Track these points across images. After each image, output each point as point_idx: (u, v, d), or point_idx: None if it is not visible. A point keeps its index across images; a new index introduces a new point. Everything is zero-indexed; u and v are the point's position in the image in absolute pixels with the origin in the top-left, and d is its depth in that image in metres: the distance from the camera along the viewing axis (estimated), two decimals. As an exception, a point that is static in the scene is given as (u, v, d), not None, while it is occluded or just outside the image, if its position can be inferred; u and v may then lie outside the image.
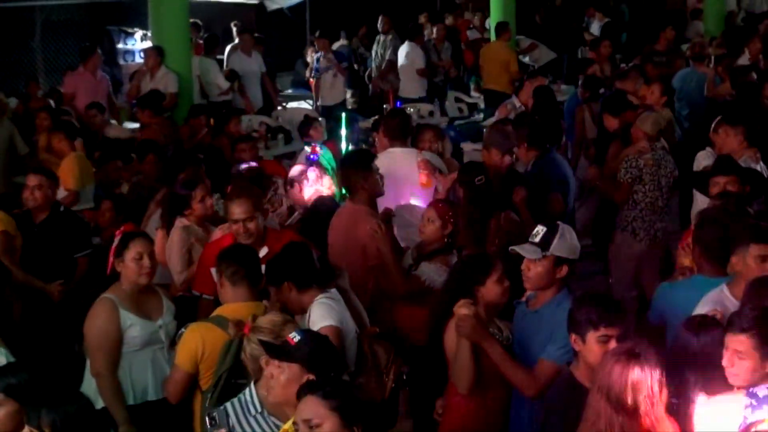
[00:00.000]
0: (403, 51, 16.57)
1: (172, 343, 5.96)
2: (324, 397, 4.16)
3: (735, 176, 7.38)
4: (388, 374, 5.89)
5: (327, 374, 4.63)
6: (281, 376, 4.65)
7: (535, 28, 18.58)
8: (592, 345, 4.82)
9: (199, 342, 5.50)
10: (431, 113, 14.95)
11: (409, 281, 6.78)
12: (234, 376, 5.31)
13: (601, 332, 4.81)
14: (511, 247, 5.71)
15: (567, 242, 5.55)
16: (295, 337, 4.70)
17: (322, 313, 5.69)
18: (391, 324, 6.78)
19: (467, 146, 12.46)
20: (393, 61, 16.68)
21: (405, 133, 8.67)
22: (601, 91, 11.53)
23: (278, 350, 4.72)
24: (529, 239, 5.62)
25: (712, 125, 8.83)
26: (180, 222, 7.42)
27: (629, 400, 4.30)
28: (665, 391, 4.38)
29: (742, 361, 4.62)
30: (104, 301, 5.97)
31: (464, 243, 7.17)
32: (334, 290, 5.88)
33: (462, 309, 5.34)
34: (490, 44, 16.92)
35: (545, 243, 5.54)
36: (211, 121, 11.70)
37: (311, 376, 4.59)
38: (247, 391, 5.04)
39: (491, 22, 17.77)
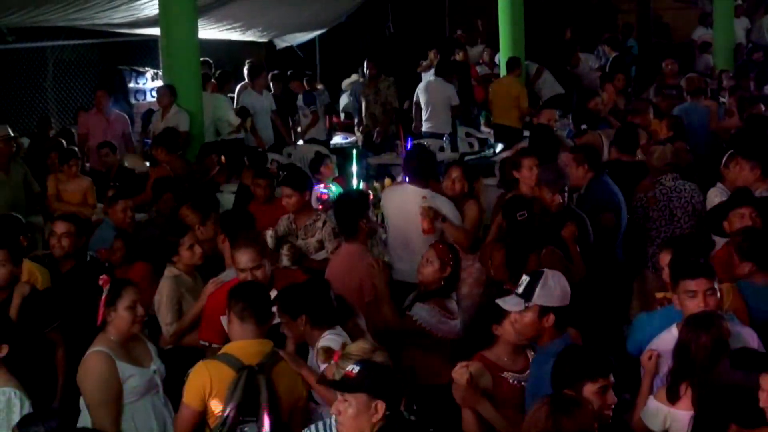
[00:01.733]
0: (433, 87, 16.49)
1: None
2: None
3: (753, 208, 7.40)
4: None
5: (394, 397, 4.71)
6: (349, 409, 4.65)
7: (544, 62, 18.63)
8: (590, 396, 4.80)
9: (206, 379, 5.50)
10: (442, 148, 14.96)
11: (402, 321, 6.78)
12: (242, 414, 5.33)
13: (600, 383, 4.83)
14: (496, 300, 5.69)
15: (550, 290, 5.48)
16: (353, 369, 4.71)
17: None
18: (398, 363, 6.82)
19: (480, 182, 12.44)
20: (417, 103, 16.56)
21: (424, 174, 8.64)
22: (583, 127, 11.62)
23: (342, 384, 4.72)
24: (515, 290, 5.60)
25: (724, 160, 8.82)
26: (169, 271, 7.44)
27: None
28: None
29: None
30: (99, 355, 5.83)
31: (502, 278, 7.27)
32: (339, 327, 5.94)
33: (454, 375, 5.34)
34: (501, 79, 17.00)
35: (528, 293, 5.48)
36: (222, 158, 11.77)
37: (380, 403, 4.63)
38: (321, 424, 5.09)
39: (501, 57, 17.84)
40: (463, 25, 21.73)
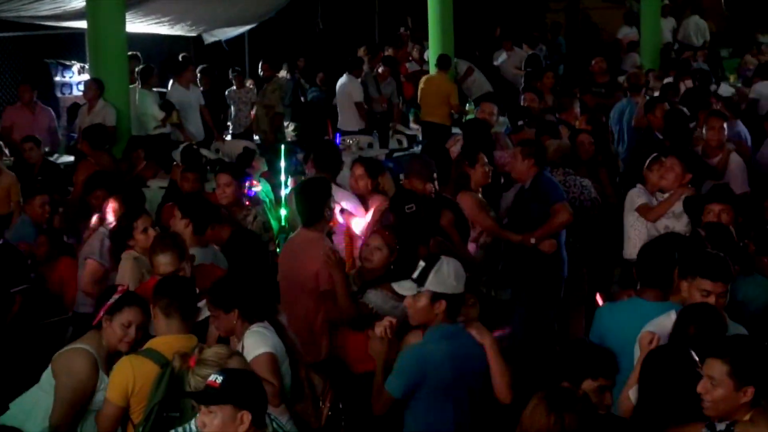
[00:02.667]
0: (341, 84, 16.68)
1: None
2: None
3: (730, 205, 7.47)
4: (325, 402, 5.95)
5: (260, 407, 4.65)
6: (214, 421, 4.56)
7: (474, 60, 18.73)
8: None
9: (129, 375, 5.46)
10: (370, 145, 15.00)
11: (357, 308, 6.82)
12: (166, 409, 5.26)
13: (600, 382, 4.93)
14: (392, 283, 5.82)
15: (443, 277, 5.58)
16: (217, 379, 4.61)
17: (256, 341, 5.76)
18: (332, 350, 6.89)
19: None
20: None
21: (333, 167, 8.87)
22: (520, 123, 11.77)
23: (205, 396, 4.62)
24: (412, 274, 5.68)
25: (647, 163, 8.92)
26: (128, 254, 7.37)
27: None
28: None
29: (715, 388, 4.61)
30: (88, 357, 5.75)
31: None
32: (266, 322, 5.92)
33: (376, 329, 5.46)
34: (431, 76, 17.01)
35: (422, 278, 5.59)
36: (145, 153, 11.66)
37: (246, 414, 4.56)
38: (188, 427, 5.00)
39: (430, 54, 17.89)
40: (394, 22, 21.80)
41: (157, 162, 11.49)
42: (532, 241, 8.49)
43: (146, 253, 7.23)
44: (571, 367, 4.97)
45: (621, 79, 16.07)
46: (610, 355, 5.10)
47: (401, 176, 12.27)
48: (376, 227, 7.80)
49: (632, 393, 5.33)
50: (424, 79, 17.02)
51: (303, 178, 10.75)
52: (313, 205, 7.41)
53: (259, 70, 17.49)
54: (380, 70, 17.17)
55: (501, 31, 21.18)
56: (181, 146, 11.80)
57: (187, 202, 7.86)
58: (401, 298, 6.62)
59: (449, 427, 5.64)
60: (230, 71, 17.62)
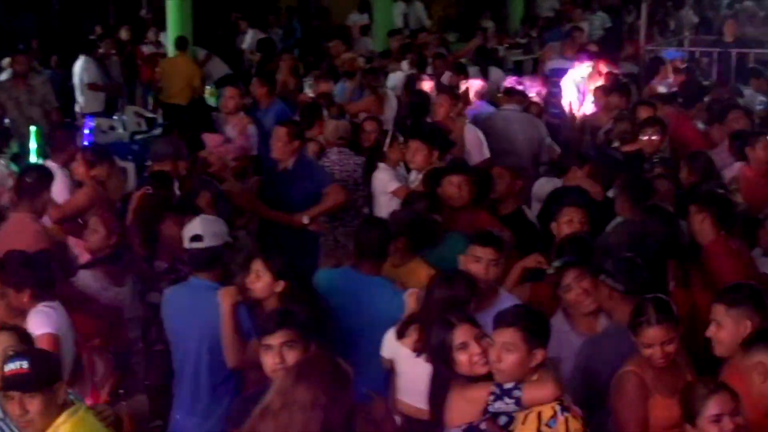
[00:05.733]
0: (77, 66, 16.47)
1: None
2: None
3: (468, 176, 7.81)
4: (103, 386, 6.03)
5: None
6: (34, 401, 4.59)
7: (213, 43, 18.79)
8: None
9: None
10: (112, 128, 14.85)
11: (66, 286, 6.81)
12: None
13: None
14: None
15: None
16: (22, 365, 4.58)
17: (40, 322, 5.82)
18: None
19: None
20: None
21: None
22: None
23: (23, 384, 4.58)
24: None
25: (389, 142, 9.35)
26: None
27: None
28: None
29: (510, 354, 4.93)
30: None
31: (137, 250, 7.58)
32: (57, 302, 5.99)
33: None
34: (172, 58, 16.92)
35: None
36: None
37: (61, 385, 4.68)
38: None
39: (169, 37, 17.82)
40: (130, 4, 21.54)
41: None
42: (305, 220, 8.57)
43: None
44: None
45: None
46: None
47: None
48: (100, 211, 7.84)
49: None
50: (164, 61, 16.96)
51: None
52: (32, 187, 7.62)
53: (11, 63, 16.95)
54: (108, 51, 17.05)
55: (236, 15, 21.29)
56: None
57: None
58: (114, 280, 6.85)
59: None
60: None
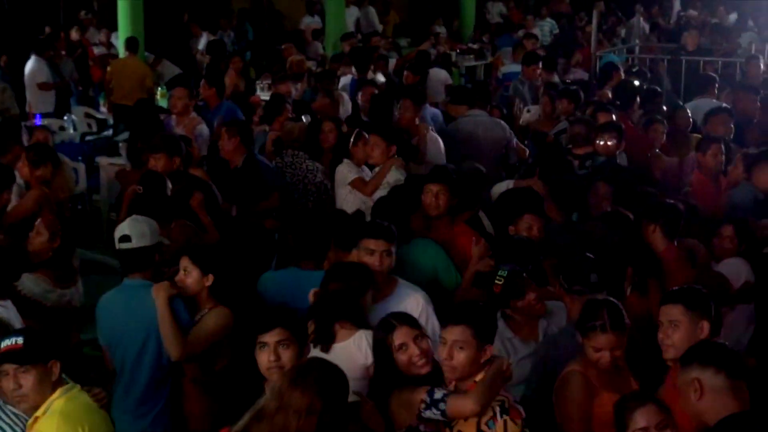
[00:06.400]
0: (28, 65, 16.36)
1: None
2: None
3: (446, 185, 7.71)
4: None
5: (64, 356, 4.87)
6: (29, 377, 4.71)
7: (165, 44, 18.73)
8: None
9: None
10: (62, 128, 14.80)
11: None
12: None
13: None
14: None
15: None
16: (16, 340, 4.74)
17: None
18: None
19: (103, 160, 12.50)
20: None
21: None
22: None
23: (16, 357, 4.71)
24: None
25: (353, 139, 9.34)
26: None
27: None
28: None
29: (461, 351, 4.96)
30: None
31: None
32: (9, 301, 6.06)
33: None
34: (122, 59, 16.84)
35: None
36: None
37: (56, 363, 4.79)
38: None
39: (120, 38, 17.75)
40: (81, 4, 21.40)
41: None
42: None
43: None
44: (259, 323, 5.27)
45: (311, 63, 16.52)
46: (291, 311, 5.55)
47: (97, 158, 12.44)
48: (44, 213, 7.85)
49: None
50: (114, 62, 16.87)
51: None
52: None
53: None
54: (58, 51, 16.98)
55: (189, 17, 21.23)
56: None
57: None
58: (58, 284, 6.87)
59: None
60: None
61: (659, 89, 13.06)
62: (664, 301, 5.41)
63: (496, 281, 6.23)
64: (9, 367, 4.72)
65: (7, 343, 4.75)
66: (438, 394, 4.97)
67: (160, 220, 6.80)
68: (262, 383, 4.95)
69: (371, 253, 6.28)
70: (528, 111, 12.72)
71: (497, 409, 4.89)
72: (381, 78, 14.66)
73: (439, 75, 15.66)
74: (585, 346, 5.39)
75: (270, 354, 4.97)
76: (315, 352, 5.46)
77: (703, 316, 5.31)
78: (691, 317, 5.28)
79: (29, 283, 6.78)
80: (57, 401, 4.75)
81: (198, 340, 5.99)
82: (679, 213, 7.39)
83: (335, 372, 4.41)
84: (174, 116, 11.11)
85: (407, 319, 5.31)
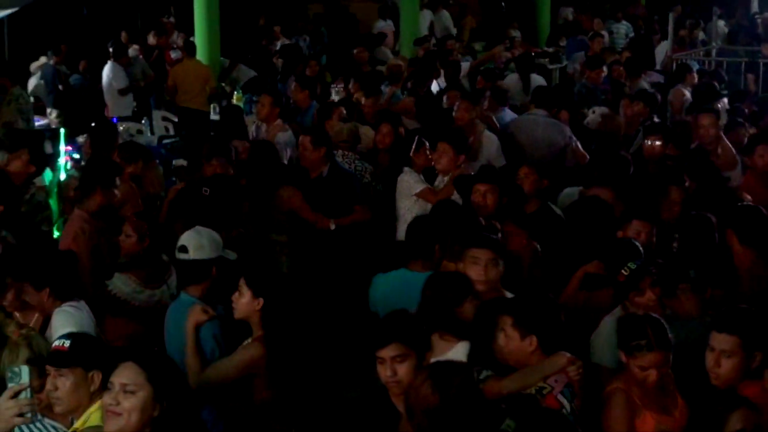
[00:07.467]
0: (106, 71, 16.62)
1: None
2: (144, 367, 4.22)
3: (495, 185, 7.83)
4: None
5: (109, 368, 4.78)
6: (66, 383, 4.72)
7: (238, 48, 18.88)
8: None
9: None
10: (140, 131, 14.98)
11: (97, 291, 6.92)
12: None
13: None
14: None
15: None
16: (64, 342, 4.77)
17: (63, 321, 5.87)
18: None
19: (180, 163, 12.62)
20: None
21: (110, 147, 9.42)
22: None
23: (56, 359, 4.75)
24: None
25: (414, 146, 9.35)
26: None
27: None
28: None
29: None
30: None
31: None
32: (82, 302, 6.06)
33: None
34: (183, 63, 17.01)
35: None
36: None
37: (97, 374, 4.73)
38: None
39: (197, 41, 17.93)
40: (159, 9, 21.67)
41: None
42: (332, 226, 8.80)
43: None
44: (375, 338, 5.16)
45: (384, 68, 16.53)
46: (407, 319, 5.31)
47: (174, 161, 12.58)
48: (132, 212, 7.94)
49: None
50: (176, 66, 17.06)
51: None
52: (91, 182, 7.60)
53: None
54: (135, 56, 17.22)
55: (266, 21, 21.38)
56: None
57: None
58: (147, 284, 6.87)
59: None
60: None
61: (741, 91, 12.92)
62: (720, 328, 5.22)
63: (623, 271, 6.20)
64: (50, 368, 4.75)
65: (56, 343, 4.82)
66: (483, 374, 5.07)
67: (223, 223, 6.83)
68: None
69: (475, 262, 6.20)
70: (593, 112, 12.60)
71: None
72: (435, 86, 14.61)
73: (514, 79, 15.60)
74: (629, 365, 5.26)
75: (386, 370, 4.96)
76: None
77: (758, 347, 5.16)
78: (745, 350, 5.15)
79: (119, 282, 6.93)
80: (95, 414, 4.68)
81: (216, 373, 5.79)
82: (760, 217, 7.25)
83: None
84: (262, 123, 11.22)
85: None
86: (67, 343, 4.75)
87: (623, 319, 5.52)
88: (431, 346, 5.53)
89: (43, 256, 6.32)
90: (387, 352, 4.97)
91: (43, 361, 4.84)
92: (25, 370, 4.29)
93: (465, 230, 6.93)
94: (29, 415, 4.21)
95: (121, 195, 8.52)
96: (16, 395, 4.19)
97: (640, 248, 6.68)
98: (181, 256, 6.23)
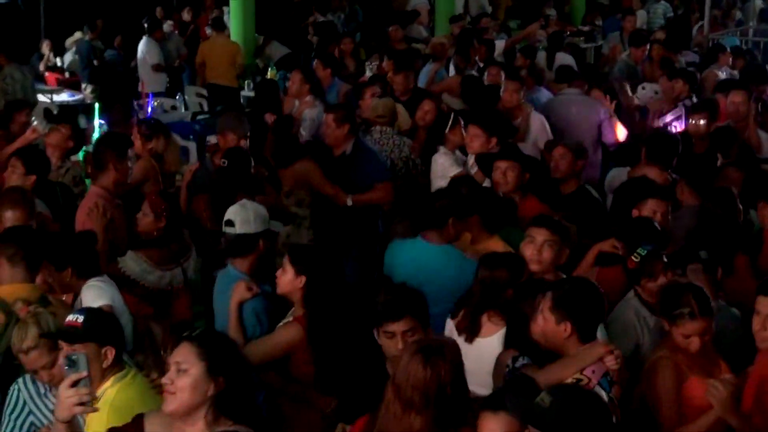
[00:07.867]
0: (141, 46, 16.68)
1: None
2: (198, 344, 4.21)
3: (517, 162, 7.81)
4: (166, 349, 6.07)
5: (121, 343, 4.81)
6: None
7: (273, 25, 18.88)
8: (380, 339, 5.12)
9: None
10: (173, 107, 15.05)
11: (109, 268, 6.82)
12: (13, 358, 5.25)
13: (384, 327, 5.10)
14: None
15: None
16: (77, 318, 4.71)
17: (94, 295, 5.92)
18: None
19: (213, 139, 12.62)
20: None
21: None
22: None
23: (69, 334, 4.70)
24: None
25: (450, 124, 9.29)
26: None
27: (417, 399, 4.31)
28: None
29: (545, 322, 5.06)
30: None
31: (210, 227, 7.66)
32: (105, 276, 6.11)
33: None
34: (211, 39, 17.03)
35: None
36: None
37: (110, 349, 4.71)
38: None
39: (232, 18, 17.95)
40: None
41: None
42: (349, 202, 8.70)
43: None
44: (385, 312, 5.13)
45: (420, 46, 16.47)
46: (418, 295, 5.25)
47: (208, 138, 12.61)
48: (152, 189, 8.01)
49: None
50: (204, 43, 17.12)
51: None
52: (105, 156, 7.49)
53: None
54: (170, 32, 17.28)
55: (300, -2, 21.38)
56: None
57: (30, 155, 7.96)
58: (159, 265, 6.86)
59: None
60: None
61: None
62: (764, 291, 5.23)
63: (633, 257, 6.18)
64: (63, 344, 4.71)
65: (70, 318, 4.75)
66: (519, 362, 5.05)
67: (242, 193, 6.84)
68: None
69: (531, 242, 6.16)
70: (643, 88, 12.45)
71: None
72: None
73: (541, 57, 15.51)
74: (672, 333, 5.34)
75: (398, 343, 4.96)
76: (459, 341, 5.36)
77: None
78: None
79: (131, 261, 6.84)
80: (109, 390, 4.70)
81: (254, 352, 5.67)
82: None
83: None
84: (290, 98, 11.23)
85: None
86: (81, 319, 4.69)
87: (666, 289, 5.55)
88: (479, 327, 5.61)
89: (61, 237, 6.32)
90: (398, 327, 4.98)
91: (57, 336, 4.80)
92: (82, 358, 4.30)
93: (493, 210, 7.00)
94: (89, 404, 4.23)
95: (143, 172, 8.57)
96: (75, 384, 4.21)
97: (658, 227, 6.64)
98: (228, 230, 6.22)
